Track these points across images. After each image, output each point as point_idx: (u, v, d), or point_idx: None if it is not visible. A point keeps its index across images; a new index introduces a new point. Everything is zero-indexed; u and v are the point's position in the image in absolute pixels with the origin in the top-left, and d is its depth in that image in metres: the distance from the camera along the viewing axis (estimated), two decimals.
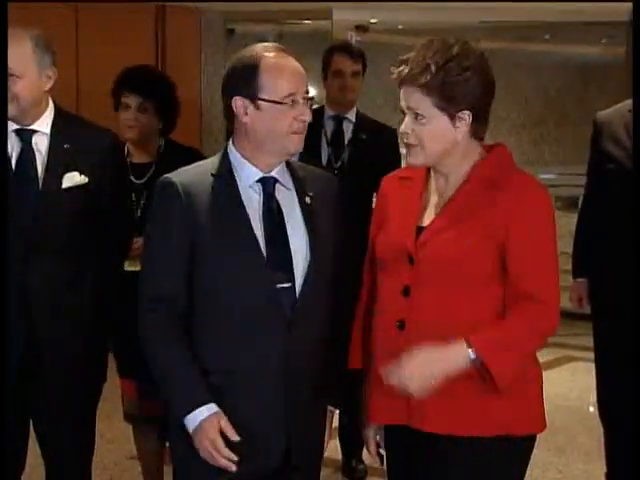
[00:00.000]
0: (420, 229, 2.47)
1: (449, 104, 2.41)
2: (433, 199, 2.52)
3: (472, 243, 2.39)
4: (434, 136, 2.44)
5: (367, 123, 4.52)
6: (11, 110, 2.98)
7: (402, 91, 2.47)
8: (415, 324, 2.42)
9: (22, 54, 2.97)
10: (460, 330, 2.37)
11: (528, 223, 2.39)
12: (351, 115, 4.46)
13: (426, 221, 2.48)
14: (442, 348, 2.33)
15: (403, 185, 2.58)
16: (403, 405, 2.44)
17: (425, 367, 2.32)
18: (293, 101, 2.44)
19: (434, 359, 2.33)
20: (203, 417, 2.38)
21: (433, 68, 2.39)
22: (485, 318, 2.40)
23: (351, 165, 4.33)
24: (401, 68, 2.45)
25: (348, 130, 4.45)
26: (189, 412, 2.39)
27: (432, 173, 2.55)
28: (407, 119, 2.46)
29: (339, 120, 4.41)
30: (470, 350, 2.33)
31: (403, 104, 2.47)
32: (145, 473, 3.97)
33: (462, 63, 2.41)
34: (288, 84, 2.43)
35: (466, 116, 2.43)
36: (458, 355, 2.34)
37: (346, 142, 4.42)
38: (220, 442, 2.37)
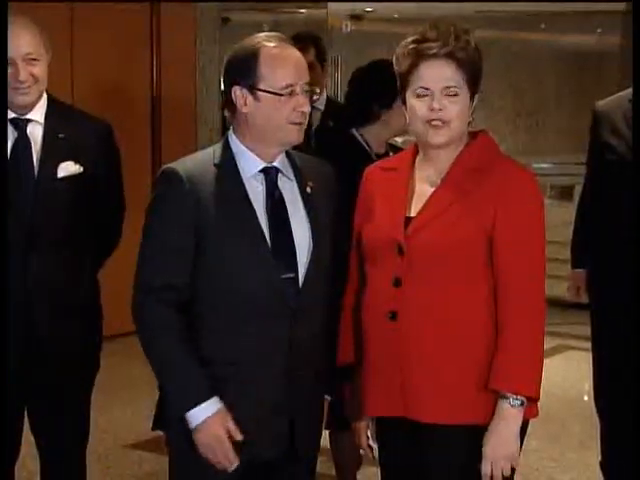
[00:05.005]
0: (408, 219, 2.46)
1: (474, 81, 2.43)
2: (419, 188, 2.50)
3: (461, 233, 2.39)
4: (461, 114, 2.43)
5: (335, 109, 4.45)
6: (33, 94, 2.97)
7: (429, 67, 2.40)
8: (407, 314, 2.42)
9: (35, 38, 2.97)
10: (451, 319, 2.38)
11: (515, 211, 2.39)
12: (319, 104, 4.42)
13: (414, 211, 2.47)
14: (498, 431, 2.37)
15: (387, 176, 2.56)
16: (399, 397, 2.44)
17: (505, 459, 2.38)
18: (292, 92, 2.41)
19: (503, 445, 2.37)
20: (209, 414, 2.37)
21: (469, 47, 2.41)
22: (476, 307, 2.40)
23: (318, 153, 4.29)
24: (428, 44, 2.39)
25: (316, 119, 4.40)
26: (193, 407, 2.37)
27: (417, 162, 2.53)
28: (438, 96, 2.40)
29: None
30: (511, 400, 2.36)
31: (429, 82, 2.41)
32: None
33: (476, 48, 2.44)
34: (287, 75, 2.41)
35: (475, 98, 2.46)
36: (510, 421, 2.37)
37: (313, 130, 4.39)
38: (226, 439, 2.37)
